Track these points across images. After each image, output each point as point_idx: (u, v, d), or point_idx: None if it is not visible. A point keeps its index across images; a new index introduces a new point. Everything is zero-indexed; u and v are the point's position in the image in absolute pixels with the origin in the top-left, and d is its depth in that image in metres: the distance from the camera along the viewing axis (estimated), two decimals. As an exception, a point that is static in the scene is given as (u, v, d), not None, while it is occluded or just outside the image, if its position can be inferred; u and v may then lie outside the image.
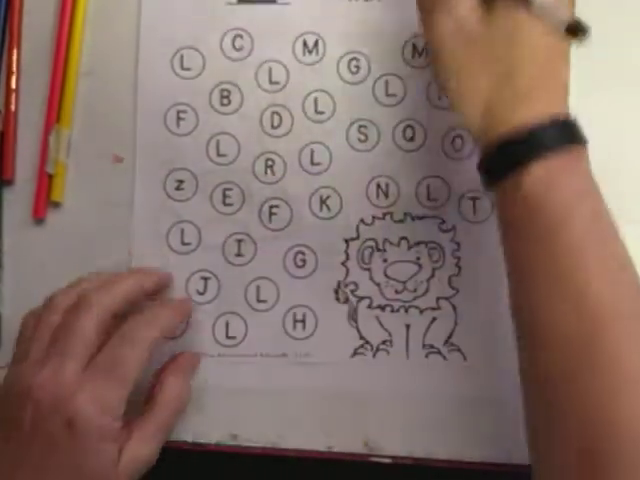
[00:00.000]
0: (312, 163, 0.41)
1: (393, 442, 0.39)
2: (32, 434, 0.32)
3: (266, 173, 0.41)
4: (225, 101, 0.42)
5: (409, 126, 0.41)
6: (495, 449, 0.39)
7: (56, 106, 0.41)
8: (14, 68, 0.41)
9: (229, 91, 0.42)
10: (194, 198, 0.41)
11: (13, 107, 0.42)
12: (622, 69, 0.40)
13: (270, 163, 0.41)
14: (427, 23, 0.33)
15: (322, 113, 0.41)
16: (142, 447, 0.35)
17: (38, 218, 0.41)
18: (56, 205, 0.41)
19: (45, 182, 0.41)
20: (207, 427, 0.40)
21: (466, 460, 0.39)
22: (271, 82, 0.42)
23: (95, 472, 0.33)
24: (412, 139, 0.41)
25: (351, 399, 0.39)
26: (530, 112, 0.30)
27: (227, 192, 0.41)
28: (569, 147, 0.29)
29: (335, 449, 0.39)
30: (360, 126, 0.41)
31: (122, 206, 0.41)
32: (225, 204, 0.41)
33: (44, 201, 0.41)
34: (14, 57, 0.41)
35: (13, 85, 0.42)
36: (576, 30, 0.30)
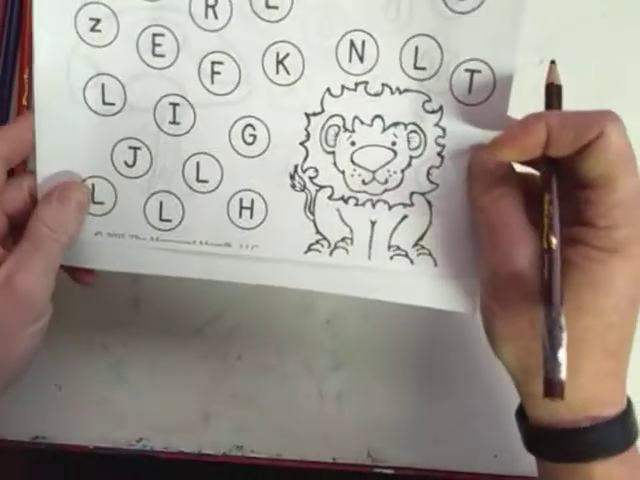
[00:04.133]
0: (267, 6, 0.31)
1: (396, 454, 0.42)
2: None
3: (207, 16, 0.31)
4: None
5: (400, -41, 0.30)
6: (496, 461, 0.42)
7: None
8: (26, 87, 0.42)
9: None
10: (115, 43, 0.32)
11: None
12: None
13: (212, 2, 0.31)
14: None
15: None
16: (34, 280, 0.31)
17: None
18: None
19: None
20: (213, 439, 0.42)
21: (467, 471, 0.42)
22: None
23: None
24: (402, -20, 0.30)
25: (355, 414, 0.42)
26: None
27: (157, 38, 0.32)
28: (629, 445, 0.28)
29: (339, 460, 0.42)
30: (334, -44, 0.30)
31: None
32: (155, 54, 0.32)
33: None
34: (25, 76, 0.42)
35: (24, 102, 0.42)
36: None
